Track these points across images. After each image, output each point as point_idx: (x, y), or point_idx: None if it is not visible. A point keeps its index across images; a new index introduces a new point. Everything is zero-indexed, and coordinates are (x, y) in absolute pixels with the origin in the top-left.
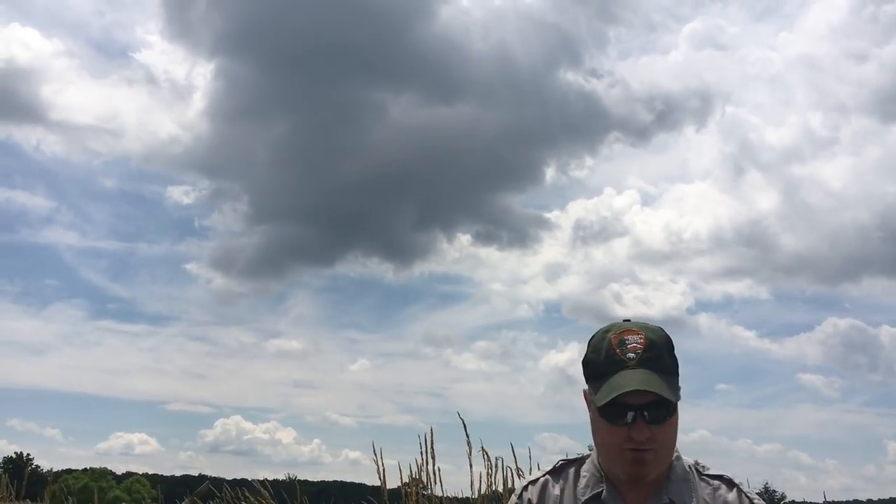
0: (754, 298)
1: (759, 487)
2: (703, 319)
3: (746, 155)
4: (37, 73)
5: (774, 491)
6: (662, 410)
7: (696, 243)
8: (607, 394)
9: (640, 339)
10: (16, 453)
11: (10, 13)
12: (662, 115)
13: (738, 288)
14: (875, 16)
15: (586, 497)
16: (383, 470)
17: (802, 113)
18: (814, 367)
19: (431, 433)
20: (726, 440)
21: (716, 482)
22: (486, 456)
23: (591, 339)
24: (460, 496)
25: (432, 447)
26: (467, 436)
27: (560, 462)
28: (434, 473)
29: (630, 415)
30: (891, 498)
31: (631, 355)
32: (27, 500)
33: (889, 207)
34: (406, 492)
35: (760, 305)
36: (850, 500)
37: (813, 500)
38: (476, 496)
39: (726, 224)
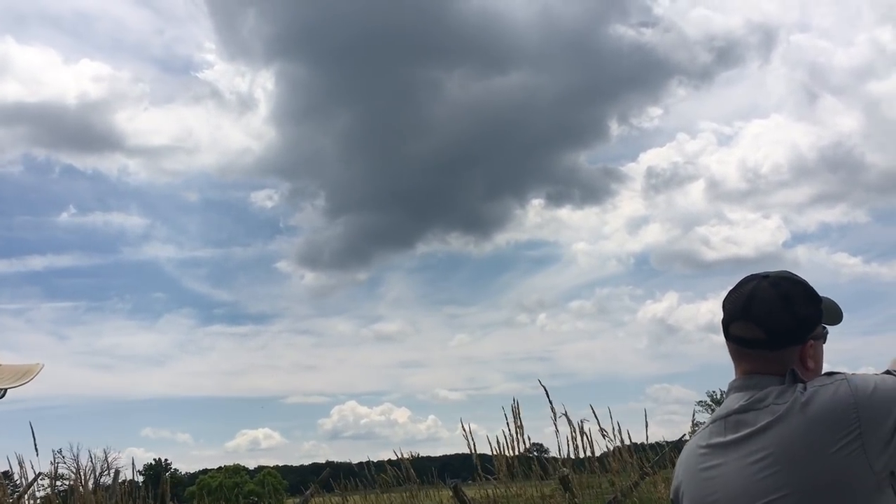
0: (853, 223)
1: None
2: (802, 252)
3: (817, 80)
4: (109, 103)
5: None
6: None
7: (777, 175)
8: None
9: None
10: (154, 460)
11: (83, 49)
12: (723, 54)
13: (833, 214)
14: None
15: None
16: (473, 441)
17: (870, 29)
18: None
19: (517, 404)
20: (848, 371)
21: None
22: (568, 420)
23: (811, 289)
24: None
25: (519, 415)
26: (550, 403)
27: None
28: (523, 440)
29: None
30: None
31: None
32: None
33: None
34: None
35: (860, 229)
36: None
37: None
38: (565, 457)
39: (807, 152)
